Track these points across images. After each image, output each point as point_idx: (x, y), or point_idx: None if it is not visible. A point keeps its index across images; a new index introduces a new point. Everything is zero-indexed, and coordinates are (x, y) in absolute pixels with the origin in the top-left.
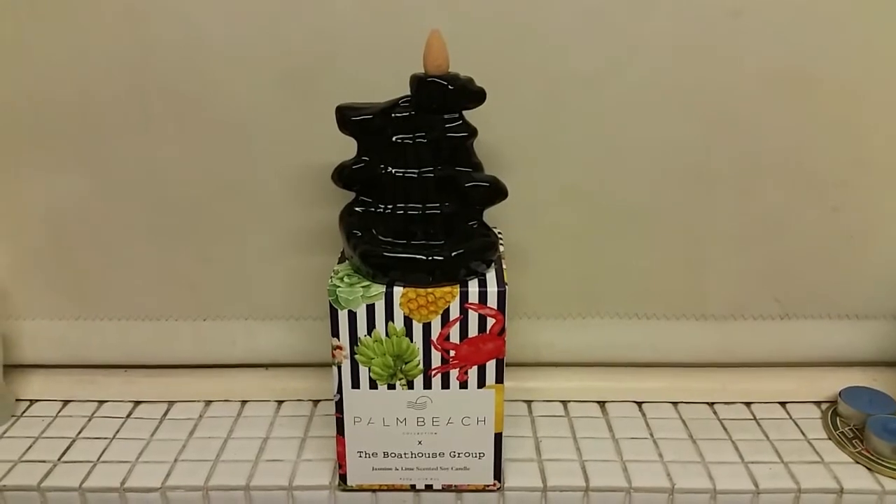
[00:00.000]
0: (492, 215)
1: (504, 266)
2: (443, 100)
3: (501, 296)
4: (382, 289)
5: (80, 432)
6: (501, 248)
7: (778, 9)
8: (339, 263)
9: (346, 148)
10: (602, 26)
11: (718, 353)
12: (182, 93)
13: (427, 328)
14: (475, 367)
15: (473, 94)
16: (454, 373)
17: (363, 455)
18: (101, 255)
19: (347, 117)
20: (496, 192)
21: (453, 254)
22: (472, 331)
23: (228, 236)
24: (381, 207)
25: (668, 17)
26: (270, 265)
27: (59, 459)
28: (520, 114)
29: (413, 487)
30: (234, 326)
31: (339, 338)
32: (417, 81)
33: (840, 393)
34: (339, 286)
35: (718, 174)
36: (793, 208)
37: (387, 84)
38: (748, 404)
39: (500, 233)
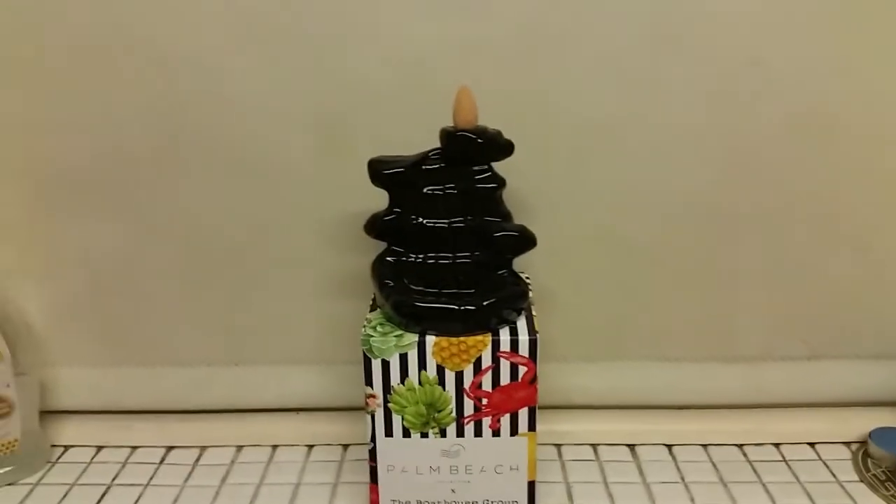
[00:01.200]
0: (519, 260)
1: (534, 312)
2: (472, 153)
3: (533, 344)
4: (415, 338)
5: (114, 478)
6: (530, 294)
7: (797, 56)
8: (371, 311)
9: (379, 195)
10: (624, 75)
11: (747, 395)
12: (215, 142)
13: (459, 377)
14: (507, 415)
15: (502, 147)
16: (487, 421)
17: (397, 503)
18: (135, 301)
19: (379, 171)
20: (525, 241)
21: (485, 303)
22: (505, 379)
23: (261, 282)
24: (412, 257)
25: (688, 66)
26: (303, 310)
27: None
28: (546, 160)
29: None
30: (266, 371)
31: (372, 386)
32: (448, 135)
33: (870, 434)
34: (372, 336)
35: (745, 216)
36: (820, 249)
37: (417, 134)
38: (778, 445)
39: (527, 278)
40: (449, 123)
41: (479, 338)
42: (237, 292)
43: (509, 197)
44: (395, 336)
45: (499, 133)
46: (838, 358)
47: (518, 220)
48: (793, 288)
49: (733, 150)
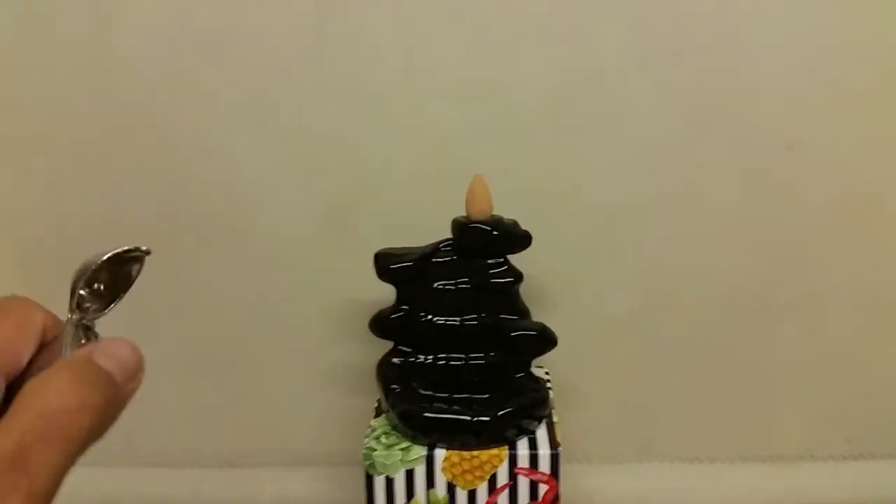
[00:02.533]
0: None
1: (555, 419)
2: (487, 245)
3: (555, 459)
4: (423, 451)
5: None
6: (551, 395)
7: (831, 138)
8: (375, 417)
9: (387, 286)
10: (651, 157)
11: (786, 498)
12: (217, 225)
13: (472, 496)
14: None
15: (519, 239)
16: None
17: None
18: None
19: (386, 265)
20: (545, 341)
21: (500, 413)
22: (523, 499)
23: (259, 376)
24: (420, 358)
25: (721, 147)
26: (303, 406)
27: None
28: (567, 245)
29: None
30: (263, 474)
31: None
32: (460, 227)
33: None
34: (375, 449)
35: (783, 305)
36: (864, 341)
37: (430, 221)
38: None
39: (547, 373)
40: (462, 212)
41: (495, 452)
42: (232, 386)
43: (526, 285)
44: (401, 449)
45: (515, 224)
46: (885, 458)
47: (536, 308)
48: (835, 382)
49: (770, 234)
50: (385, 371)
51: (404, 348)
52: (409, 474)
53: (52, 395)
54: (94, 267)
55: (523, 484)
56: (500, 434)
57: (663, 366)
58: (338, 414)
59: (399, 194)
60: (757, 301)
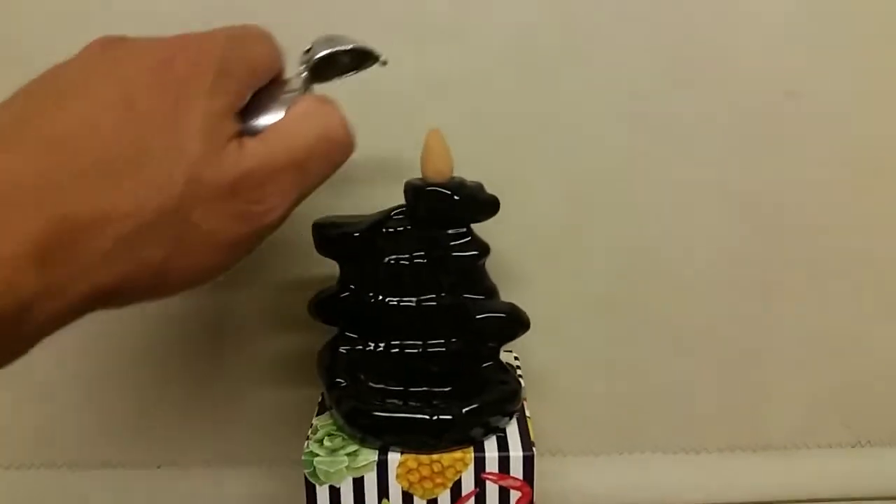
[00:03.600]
0: None
1: (527, 413)
2: (447, 212)
3: (528, 462)
4: (374, 456)
5: None
6: (522, 384)
7: (837, 87)
8: (317, 416)
9: (329, 261)
10: (634, 111)
11: (781, 489)
12: None
13: None
14: None
15: (484, 205)
16: None
17: None
18: (38, 395)
19: (326, 237)
20: (515, 324)
21: (464, 410)
22: None
23: (185, 368)
24: (370, 345)
25: (710, 102)
26: (238, 401)
27: None
28: (540, 217)
29: None
30: (195, 475)
31: None
32: (414, 190)
33: None
34: (317, 454)
35: (778, 283)
36: (865, 321)
37: (377, 186)
38: None
39: (517, 359)
40: (417, 175)
41: (458, 455)
42: (159, 380)
43: (494, 262)
44: (348, 454)
45: (480, 187)
46: (885, 445)
47: (506, 290)
48: (833, 364)
49: (763, 200)
50: (328, 362)
51: (351, 335)
52: (358, 483)
53: (333, 125)
54: (341, 47)
55: (492, 491)
56: (465, 434)
57: (647, 349)
58: (278, 408)
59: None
60: (750, 277)
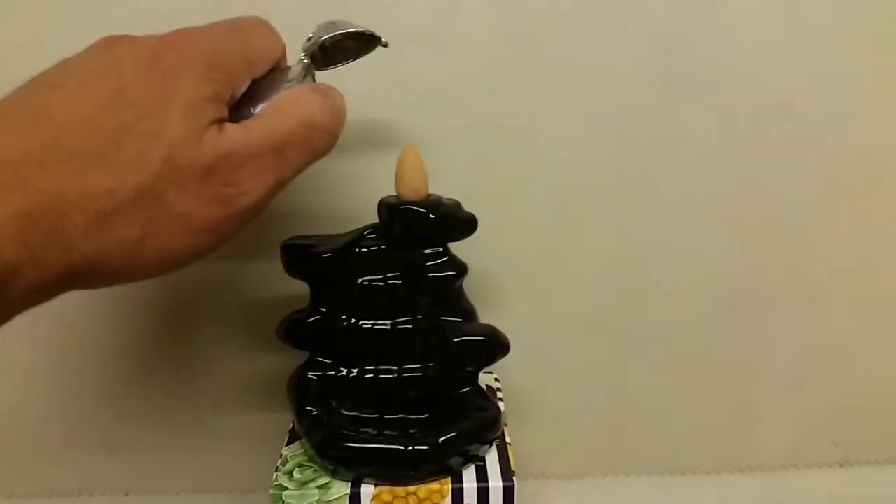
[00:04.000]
0: None
1: (508, 440)
2: (423, 231)
3: (509, 493)
4: (346, 489)
5: None
6: (502, 409)
7: (830, 101)
8: (287, 445)
9: (299, 283)
10: (623, 123)
11: None
12: None
13: None
14: None
15: (461, 224)
16: None
17: None
18: None
19: (296, 258)
20: (495, 347)
21: (441, 439)
22: None
23: (153, 390)
24: (343, 371)
25: (701, 113)
26: (208, 426)
27: None
28: (521, 231)
29: None
30: (164, 502)
31: None
32: (389, 209)
33: None
34: (286, 488)
35: (768, 299)
36: (855, 338)
37: (350, 204)
38: None
39: (497, 378)
40: (391, 192)
41: (435, 486)
42: (124, 402)
43: (473, 278)
44: (318, 487)
45: (457, 205)
46: (873, 463)
47: (485, 308)
48: (823, 383)
49: (754, 214)
50: (298, 389)
51: (322, 360)
52: None
53: (315, 111)
54: (342, 31)
55: None
56: (442, 464)
57: (632, 368)
58: (249, 434)
59: (314, 171)
60: (739, 293)
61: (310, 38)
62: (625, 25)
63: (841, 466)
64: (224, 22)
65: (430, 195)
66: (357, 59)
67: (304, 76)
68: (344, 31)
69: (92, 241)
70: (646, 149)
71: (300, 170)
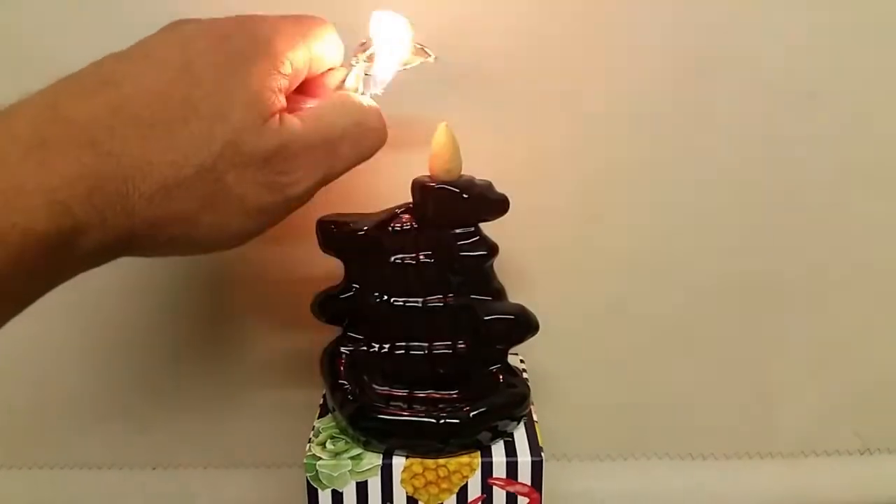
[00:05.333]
0: None
1: (535, 417)
2: (455, 212)
3: (537, 468)
4: (378, 460)
5: None
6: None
7: (861, 86)
8: (319, 418)
9: (333, 260)
10: (647, 111)
11: (789, 497)
12: None
13: None
14: None
15: (494, 204)
16: None
17: None
18: (35, 391)
19: (331, 235)
20: (524, 326)
21: (472, 414)
22: None
23: (183, 365)
24: (374, 347)
25: (721, 104)
26: (238, 401)
27: None
28: (547, 218)
29: None
30: (191, 476)
31: None
32: (422, 189)
33: None
34: (319, 458)
35: (789, 287)
36: (877, 327)
37: (383, 183)
38: None
39: (521, 360)
40: (425, 171)
41: (465, 459)
42: (154, 377)
43: (500, 264)
44: (351, 458)
45: (489, 186)
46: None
47: (512, 293)
48: (844, 371)
49: (777, 203)
50: (331, 363)
51: (355, 335)
52: (362, 488)
53: (370, 114)
54: (395, 43)
55: (499, 497)
56: (472, 438)
57: (653, 354)
58: (278, 409)
59: None
60: (760, 282)
61: (363, 43)
62: (651, 14)
63: (862, 454)
64: (293, 17)
65: (462, 176)
66: (405, 67)
67: (357, 79)
68: (396, 44)
69: (153, 209)
70: (671, 137)
71: (348, 168)
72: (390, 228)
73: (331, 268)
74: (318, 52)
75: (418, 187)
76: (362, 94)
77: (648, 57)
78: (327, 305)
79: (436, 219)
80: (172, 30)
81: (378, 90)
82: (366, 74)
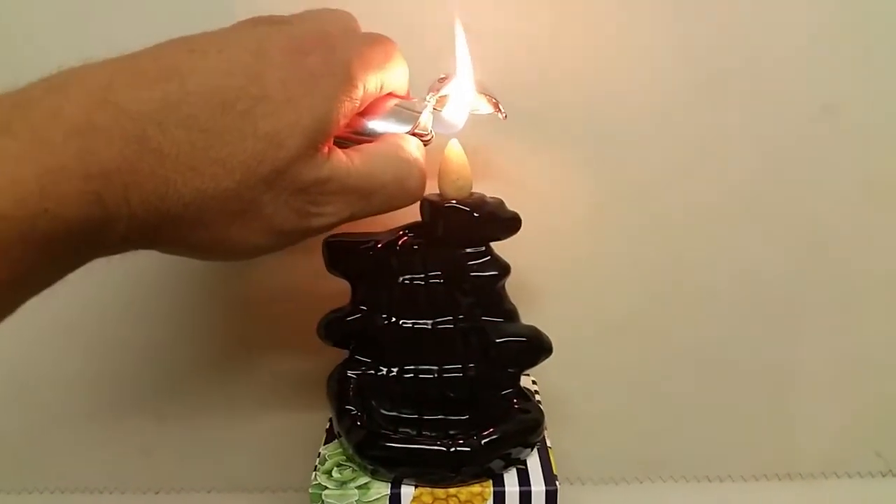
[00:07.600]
0: None
1: (549, 443)
2: (466, 230)
3: (552, 497)
4: (386, 489)
5: None
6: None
7: (877, 99)
8: (325, 444)
9: (340, 281)
10: (660, 126)
11: None
12: None
13: None
14: None
15: (505, 223)
16: None
17: None
18: (37, 415)
19: (338, 255)
20: (537, 349)
21: (483, 441)
22: None
23: (187, 387)
24: (382, 370)
25: (746, 113)
26: (242, 425)
27: None
28: (559, 232)
29: None
30: (195, 501)
31: None
32: (431, 207)
33: None
34: (326, 487)
35: (810, 304)
36: None
37: None
38: None
39: (534, 381)
40: (435, 190)
41: (477, 488)
42: (158, 400)
43: (512, 284)
44: (358, 487)
45: (500, 204)
46: None
47: (525, 313)
48: (865, 390)
49: (793, 217)
50: (338, 387)
51: (362, 358)
52: None
53: (412, 179)
54: (471, 92)
55: None
56: (484, 466)
57: (670, 373)
58: (284, 432)
59: None
60: (779, 298)
61: (442, 79)
62: (666, 27)
63: (884, 476)
64: (371, 39)
65: (473, 193)
66: (472, 113)
67: (425, 113)
68: (472, 93)
69: (184, 213)
70: (685, 151)
71: (373, 215)
72: (398, 248)
73: (339, 289)
74: (389, 79)
75: (428, 205)
76: (428, 136)
77: (661, 76)
78: (334, 328)
79: (446, 238)
80: (251, 28)
81: (444, 131)
82: (434, 109)
